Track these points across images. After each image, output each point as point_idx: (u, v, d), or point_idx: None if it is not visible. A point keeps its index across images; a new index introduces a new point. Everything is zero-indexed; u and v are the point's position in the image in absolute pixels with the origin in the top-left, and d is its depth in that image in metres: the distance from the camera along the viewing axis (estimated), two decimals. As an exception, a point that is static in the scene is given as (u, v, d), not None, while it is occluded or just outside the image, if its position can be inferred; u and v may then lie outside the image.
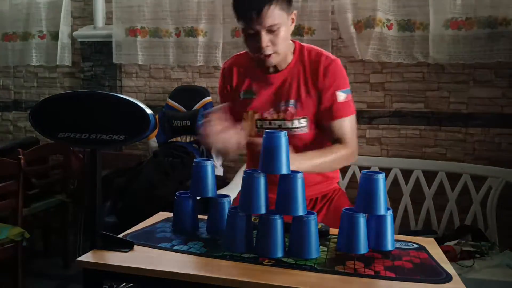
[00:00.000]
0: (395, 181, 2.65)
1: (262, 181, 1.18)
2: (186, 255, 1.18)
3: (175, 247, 1.23)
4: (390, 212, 1.20)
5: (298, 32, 2.76)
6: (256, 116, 1.54)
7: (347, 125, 1.50)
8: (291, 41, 1.52)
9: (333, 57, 1.52)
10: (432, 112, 2.68)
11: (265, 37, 1.39)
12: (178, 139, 2.96)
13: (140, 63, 3.15)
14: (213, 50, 2.98)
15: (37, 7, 3.35)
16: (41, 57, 3.40)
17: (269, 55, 1.42)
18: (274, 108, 1.52)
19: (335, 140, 1.50)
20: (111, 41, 3.16)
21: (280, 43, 1.41)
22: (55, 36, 3.35)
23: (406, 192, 2.63)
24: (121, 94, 3.00)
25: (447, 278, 1.07)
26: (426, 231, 2.53)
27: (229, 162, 3.03)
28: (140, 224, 1.44)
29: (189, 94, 3.01)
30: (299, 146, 1.48)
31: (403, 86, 2.72)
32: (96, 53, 3.26)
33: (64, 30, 3.28)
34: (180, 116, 2.92)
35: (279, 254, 1.15)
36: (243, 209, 1.20)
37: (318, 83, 1.49)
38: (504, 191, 2.45)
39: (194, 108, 2.94)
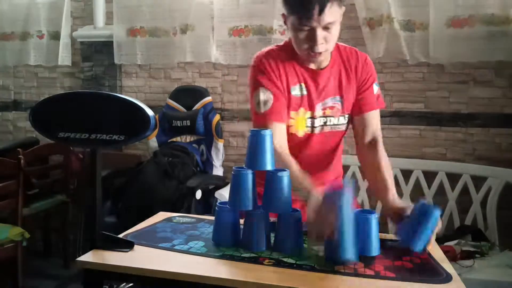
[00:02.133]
0: (395, 181, 2.64)
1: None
2: (186, 255, 1.18)
3: (176, 247, 1.23)
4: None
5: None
6: (308, 114, 1.48)
7: (378, 116, 1.54)
8: None
9: (365, 53, 1.56)
10: (432, 112, 2.68)
11: (321, 34, 1.34)
12: (178, 139, 2.96)
13: (140, 63, 3.15)
14: (205, 47, 2.97)
15: (37, 7, 3.35)
16: (39, 56, 3.40)
17: (320, 53, 1.38)
18: (322, 105, 1.48)
19: (367, 133, 1.51)
20: (111, 41, 3.16)
21: (332, 41, 1.39)
22: (54, 36, 3.35)
23: (406, 192, 2.63)
24: (121, 94, 3.00)
25: (447, 278, 1.07)
26: (426, 231, 2.53)
27: (229, 162, 3.03)
28: (140, 224, 1.44)
29: (189, 94, 3.01)
30: (334, 142, 1.54)
31: (403, 86, 2.72)
32: (96, 53, 3.26)
33: (64, 30, 3.28)
34: (180, 116, 2.92)
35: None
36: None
37: (358, 76, 1.50)
38: (504, 191, 2.45)
39: (194, 108, 2.94)
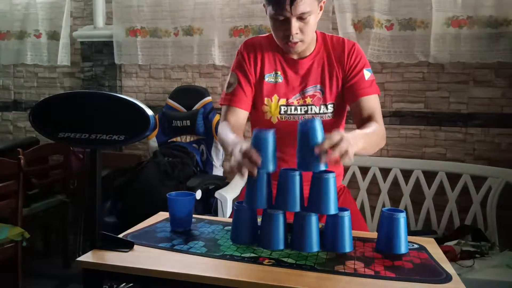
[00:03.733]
0: (395, 181, 2.65)
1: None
2: (186, 255, 1.18)
3: (176, 247, 1.23)
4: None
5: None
6: (281, 101, 1.50)
7: (375, 102, 1.50)
8: None
9: (353, 41, 1.55)
10: (432, 112, 2.68)
11: (295, 24, 1.37)
12: (178, 139, 2.96)
13: (140, 63, 3.15)
14: (209, 49, 2.98)
15: (36, 7, 3.35)
16: (36, 56, 3.40)
17: (296, 43, 1.41)
18: (300, 93, 1.50)
19: (364, 118, 1.47)
20: (111, 41, 3.16)
21: (309, 31, 1.40)
22: (52, 35, 3.35)
23: (406, 192, 2.63)
24: (121, 94, 3.00)
25: (447, 278, 1.07)
26: (426, 231, 2.54)
27: (229, 162, 3.02)
28: (140, 224, 1.44)
29: (189, 94, 3.01)
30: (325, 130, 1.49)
31: (403, 86, 2.72)
32: (96, 53, 3.26)
33: (64, 30, 3.28)
34: (180, 116, 2.92)
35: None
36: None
37: (344, 64, 1.49)
38: (504, 191, 2.45)
39: (194, 108, 2.94)
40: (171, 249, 1.22)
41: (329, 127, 1.47)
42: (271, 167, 1.19)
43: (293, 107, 1.50)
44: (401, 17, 2.61)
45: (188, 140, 2.95)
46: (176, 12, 3.03)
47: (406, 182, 2.64)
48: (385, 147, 2.75)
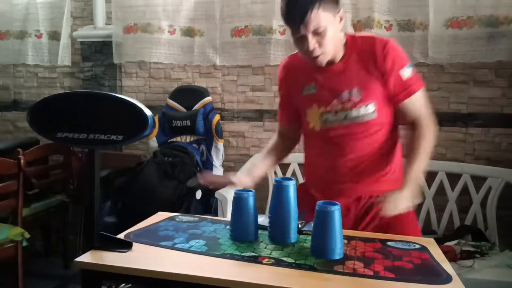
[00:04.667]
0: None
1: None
2: (185, 255, 1.18)
3: (177, 245, 1.23)
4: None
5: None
6: (321, 109, 1.53)
7: (418, 100, 1.50)
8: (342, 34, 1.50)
9: (386, 38, 1.51)
10: (432, 112, 2.68)
11: (312, 40, 1.39)
12: (178, 139, 2.96)
13: (138, 60, 3.14)
14: (211, 50, 2.98)
15: (36, 7, 3.35)
16: (37, 56, 3.40)
17: (317, 56, 1.43)
18: (337, 100, 1.50)
19: (411, 122, 1.50)
20: (111, 41, 3.16)
21: (327, 44, 1.41)
22: (52, 35, 3.35)
23: (406, 192, 2.62)
24: (121, 94, 3.00)
25: (447, 278, 1.07)
26: (426, 231, 2.53)
27: (229, 162, 3.03)
28: (141, 223, 1.44)
29: (189, 94, 3.01)
30: (371, 132, 1.50)
31: (403, 86, 2.71)
32: (96, 53, 3.25)
33: (64, 30, 3.28)
34: (180, 116, 2.91)
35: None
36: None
37: (379, 66, 1.47)
38: (504, 191, 2.45)
39: (194, 108, 2.94)
40: (172, 247, 1.22)
41: (376, 128, 1.51)
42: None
43: (333, 113, 1.51)
44: (400, 18, 2.61)
45: (188, 140, 2.95)
46: (177, 12, 3.02)
47: (406, 182, 2.63)
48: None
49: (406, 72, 1.47)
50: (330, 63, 1.49)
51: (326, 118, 1.52)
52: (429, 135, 1.50)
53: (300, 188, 1.54)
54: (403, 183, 1.39)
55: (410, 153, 1.49)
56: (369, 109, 1.48)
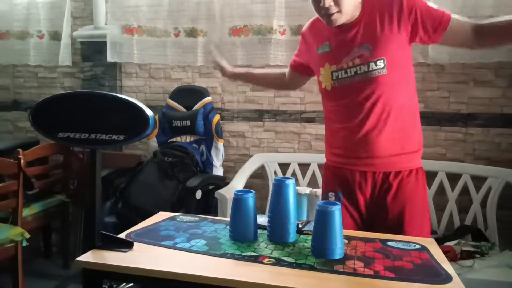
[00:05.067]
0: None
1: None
2: (186, 254, 1.18)
3: (178, 245, 1.23)
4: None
5: (298, 31, 2.76)
6: (332, 68, 1.55)
7: (461, 19, 1.51)
8: None
9: None
10: (432, 112, 2.68)
11: None
12: (178, 139, 2.96)
13: (135, 62, 3.14)
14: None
15: (37, 7, 3.35)
16: (39, 56, 3.40)
17: (332, 14, 1.45)
18: (348, 56, 1.52)
19: (472, 33, 1.47)
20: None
21: (345, 2, 1.44)
22: (53, 36, 3.35)
23: (406, 192, 2.63)
24: (121, 94, 2.99)
25: (447, 278, 1.07)
26: (426, 231, 2.53)
27: (229, 162, 3.03)
28: (142, 223, 1.44)
29: (189, 94, 3.01)
30: (381, 88, 1.48)
31: (403, 86, 2.72)
32: (96, 53, 3.25)
33: (64, 30, 3.28)
34: (180, 116, 2.92)
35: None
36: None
37: (403, 12, 1.46)
38: (504, 191, 2.45)
39: (194, 108, 2.94)
40: (173, 247, 1.22)
41: (387, 87, 1.49)
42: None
43: (343, 71, 1.52)
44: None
45: (188, 140, 2.95)
46: (176, 12, 3.02)
47: (406, 182, 2.63)
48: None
49: (432, 6, 1.50)
50: (346, 22, 1.51)
51: (336, 75, 1.54)
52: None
53: (326, 168, 1.65)
54: None
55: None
56: (379, 65, 1.47)
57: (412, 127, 1.57)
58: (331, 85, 1.56)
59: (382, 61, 1.47)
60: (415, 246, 1.28)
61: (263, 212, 2.41)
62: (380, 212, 1.53)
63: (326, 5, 1.43)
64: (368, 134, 1.50)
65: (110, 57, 3.15)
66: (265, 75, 2.04)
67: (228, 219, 1.44)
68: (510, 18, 1.40)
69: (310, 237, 1.27)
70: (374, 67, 1.47)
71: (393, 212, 1.51)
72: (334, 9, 1.44)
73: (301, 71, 1.81)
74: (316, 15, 1.56)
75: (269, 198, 1.35)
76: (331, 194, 1.60)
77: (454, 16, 1.49)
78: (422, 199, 1.59)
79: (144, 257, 1.17)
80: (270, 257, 1.15)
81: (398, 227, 1.48)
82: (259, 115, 2.98)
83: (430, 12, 1.48)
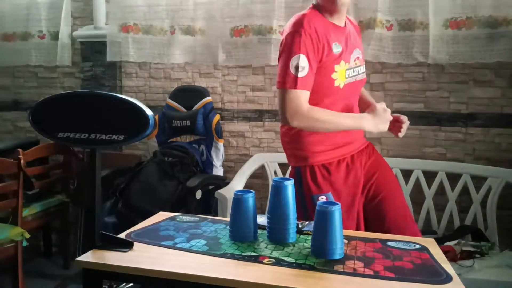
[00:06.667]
0: (395, 181, 2.65)
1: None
2: (186, 254, 1.18)
3: (178, 245, 1.23)
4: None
5: (298, 32, 2.76)
6: (346, 66, 1.63)
7: None
8: None
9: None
10: (432, 112, 2.68)
11: None
12: (178, 139, 2.96)
13: (133, 60, 3.13)
14: (212, 50, 2.98)
15: (37, 7, 3.35)
16: (40, 57, 3.40)
17: None
18: (352, 57, 1.66)
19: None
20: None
21: None
22: (55, 36, 3.34)
23: (406, 192, 2.63)
24: (121, 94, 2.99)
25: (447, 278, 1.07)
26: (426, 231, 2.53)
27: (229, 162, 3.03)
28: (142, 223, 1.44)
29: (189, 94, 3.01)
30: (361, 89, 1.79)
31: (403, 86, 2.72)
32: (96, 53, 3.25)
33: (64, 30, 3.28)
34: (180, 116, 2.91)
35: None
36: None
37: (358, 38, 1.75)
38: (504, 191, 2.45)
39: (194, 108, 2.94)
40: (173, 247, 1.22)
41: (362, 85, 1.77)
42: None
43: (351, 70, 1.65)
44: (400, 18, 2.61)
45: (188, 140, 2.95)
46: (176, 12, 3.02)
47: (406, 182, 2.64)
48: (385, 147, 2.76)
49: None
50: (341, 23, 1.65)
51: (348, 73, 1.63)
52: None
53: (313, 171, 1.64)
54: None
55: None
56: (365, 69, 1.74)
57: None
58: (344, 83, 1.62)
59: (365, 65, 1.74)
60: (415, 246, 1.28)
61: (263, 212, 2.41)
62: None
63: None
64: None
65: (109, 57, 3.15)
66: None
67: (228, 219, 1.44)
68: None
69: (310, 237, 1.27)
70: (363, 70, 1.73)
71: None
72: None
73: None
74: (300, 14, 1.61)
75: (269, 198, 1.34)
76: (322, 197, 1.59)
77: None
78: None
79: (144, 257, 1.17)
80: (270, 257, 1.15)
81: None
82: (259, 115, 2.98)
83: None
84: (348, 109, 1.66)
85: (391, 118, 1.64)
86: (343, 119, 1.59)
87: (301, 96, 1.51)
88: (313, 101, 1.56)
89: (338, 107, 1.63)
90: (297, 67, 1.51)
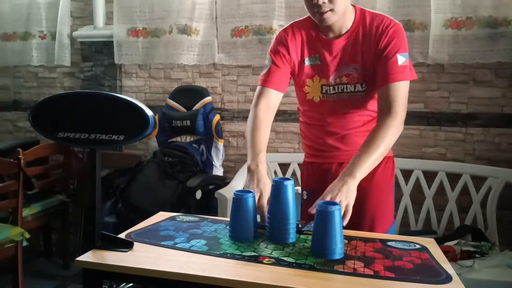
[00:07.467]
0: (395, 181, 2.64)
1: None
2: (186, 254, 1.18)
3: (178, 245, 1.23)
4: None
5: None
6: (322, 81, 1.55)
7: (400, 90, 1.44)
8: (351, 6, 1.51)
9: (395, 21, 1.50)
10: (432, 112, 2.68)
11: None
12: (178, 139, 2.96)
13: (140, 63, 3.15)
14: (210, 49, 2.98)
15: (38, 7, 3.35)
16: (41, 57, 3.40)
17: (325, 12, 1.42)
18: (337, 73, 1.53)
19: (383, 105, 1.45)
20: (111, 41, 3.16)
21: (338, 1, 1.41)
22: (55, 36, 3.34)
23: (406, 192, 2.63)
24: (121, 94, 3.00)
25: (447, 278, 1.07)
26: (426, 231, 2.54)
27: (229, 162, 3.03)
28: (142, 223, 1.44)
29: (189, 94, 3.01)
30: (360, 105, 1.55)
31: (403, 86, 2.72)
32: (96, 53, 3.26)
33: (63, 30, 3.28)
34: (180, 116, 2.92)
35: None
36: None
37: (379, 43, 1.46)
38: (504, 191, 2.45)
39: (194, 108, 2.94)
40: (173, 247, 1.22)
41: (359, 103, 1.55)
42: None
43: (331, 87, 1.54)
44: (400, 18, 2.61)
45: (188, 140, 2.95)
46: (177, 12, 3.02)
47: (406, 182, 2.64)
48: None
49: (401, 59, 1.45)
50: (336, 34, 1.51)
51: (326, 90, 1.55)
52: (391, 135, 1.45)
53: (305, 167, 1.68)
54: (349, 174, 1.32)
55: (366, 147, 1.40)
56: (363, 87, 1.52)
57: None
58: (320, 98, 1.56)
59: (365, 84, 1.52)
60: (415, 246, 1.28)
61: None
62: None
63: (320, 2, 1.40)
64: (339, 140, 1.59)
65: (117, 59, 3.17)
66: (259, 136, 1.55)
67: (228, 219, 1.44)
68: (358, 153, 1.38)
69: (310, 237, 1.27)
70: (359, 89, 1.53)
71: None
72: (327, 6, 1.41)
73: (284, 89, 1.59)
74: (294, 20, 1.60)
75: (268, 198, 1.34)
76: (305, 192, 1.65)
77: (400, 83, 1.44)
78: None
79: (144, 257, 1.16)
80: (270, 257, 1.15)
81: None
82: (259, 115, 2.98)
83: (391, 62, 1.44)
84: (321, 123, 1.58)
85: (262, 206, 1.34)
86: (249, 140, 1.47)
87: (258, 92, 1.58)
88: (299, 102, 1.66)
89: (312, 117, 1.62)
90: (264, 66, 1.60)
